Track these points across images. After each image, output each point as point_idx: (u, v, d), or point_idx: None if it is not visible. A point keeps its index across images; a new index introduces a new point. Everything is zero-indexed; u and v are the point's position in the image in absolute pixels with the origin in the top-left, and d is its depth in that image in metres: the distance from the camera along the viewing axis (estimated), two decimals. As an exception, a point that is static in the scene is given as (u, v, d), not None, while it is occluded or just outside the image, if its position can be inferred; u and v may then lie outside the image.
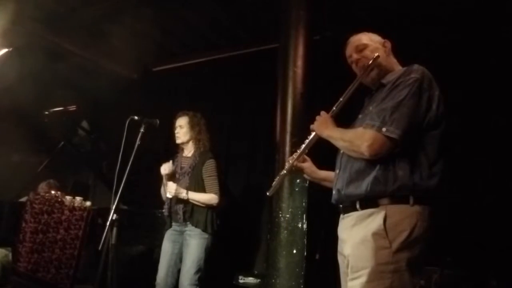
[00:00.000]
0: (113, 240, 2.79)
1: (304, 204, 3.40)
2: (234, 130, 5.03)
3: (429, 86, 1.84)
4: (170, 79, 5.65)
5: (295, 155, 2.18)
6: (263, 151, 4.59)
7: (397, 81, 1.87)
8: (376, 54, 1.99)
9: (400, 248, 1.75)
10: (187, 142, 3.59)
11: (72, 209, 3.61)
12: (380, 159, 1.82)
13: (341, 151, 2.02)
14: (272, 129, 3.67)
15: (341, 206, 1.99)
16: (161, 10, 4.46)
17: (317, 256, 3.63)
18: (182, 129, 3.57)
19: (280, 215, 3.40)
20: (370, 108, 1.95)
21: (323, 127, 2.01)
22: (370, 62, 1.99)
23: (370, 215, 1.83)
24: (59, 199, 3.63)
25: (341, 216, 2.00)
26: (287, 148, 3.46)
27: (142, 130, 3.07)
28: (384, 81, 1.97)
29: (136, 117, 3.10)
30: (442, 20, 3.82)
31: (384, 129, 1.79)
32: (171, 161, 3.51)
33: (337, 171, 2.04)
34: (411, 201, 1.79)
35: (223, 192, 3.52)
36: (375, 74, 2.01)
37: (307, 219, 3.40)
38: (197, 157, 3.53)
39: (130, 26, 4.65)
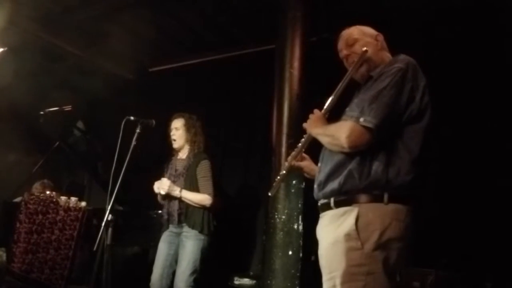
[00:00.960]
0: (108, 241, 2.78)
1: (300, 205, 3.40)
2: (230, 131, 5.03)
3: (413, 76, 1.77)
4: (166, 79, 5.64)
5: (293, 155, 2.13)
6: (259, 152, 4.59)
7: (381, 71, 1.83)
8: (364, 49, 1.92)
9: (373, 249, 1.68)
10: (183, 144, 3.58)
11: (67, 209, 3.59)
12: (359, 152, 1.76)
13: None
14: (268, 130, 3.67)
15: (319, 204, 1.93)
16: (158, 10, 4.46)
17: (312, 258, 3.63)
18: (177, 131, 3.56)
19: (276, 216, 3.41)
20: (355, 100, 1.90)
21: (313, 125, 1.96)
22: (359, 57, 1.93)
23: (343, 214, 1.77)
24: (54, 200, 3.61)
25: (320, 214, 1.95)
26: (283, 150, 3.47)
27: (138, 130, 3.07)
28: (372, 73, 1.91)
29: (132, 118, 3.09)
30: (440, 21, 3.83)
31: (361, 119, 1.73)
32: (162, 179, 3.47)
33: (319, 164, 1.99)
34: (386, 199, 1.72)
35: (216, 193, 3.51)
36: (364, 69, 1.95)
37: (303, 220, 3.40)
38: (191, 158, 3.52)
39: (127, 26, 4.64)
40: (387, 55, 2.01)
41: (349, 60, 2.00)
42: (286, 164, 2.17)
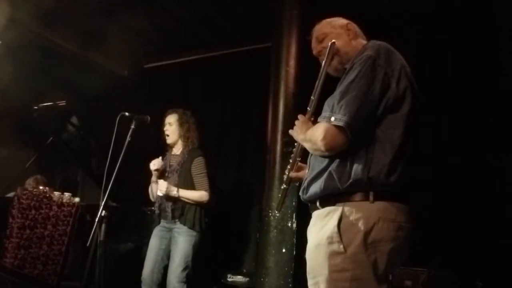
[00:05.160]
0: (101, 237, 2.77)
1: (293, 203, 3.40)
2: (225, 128, 5.03)
3: (386, 62, 1.64)
4: (161, 76, 5.63)
5: (289, 167, 2.00)
6: (254, 149, 4.59)
7: (352, 62, 1.71)
8: (331, 41, 1.81)
9: (357, 252, 1.56)
10: (176, 140, 3.59)
11: (61, 205, 3.57)
12: (340, 153, 1.64)
13: None
14: (264, 128, 3.67)
15: (309, 204, 1.84)
16: (153, 7, 4.44)
17: (306, 256, 3.64)
18: (171, 127, 3.57)
19: (270, 214, 3.41)
20: (329, 98, 1.78)
21: (298, 132, 1.83)
22: (327, 51, 1.81)
23: (327, 214, 1.66)
24: (47, 195, 3.59)
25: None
26: (278, 147, 3.48)
27: (132, 126, 3.06)
28: (346, 65, 1.77)
29: (126, 114, 3.07)
30: (436, 19, 3.84)
31: (332, 119, 1.61)
32: (160, 158, 3.50)
33: (306, 170, 1.90)
34: (371, 197, 1.59)
35: (212, 189, 3.52)
36: (336, 62, 1.84)
37: (296, 218, 3.41)
38: (185, 155, 3.53)
39: (122, 22, 4.61)
40: (361, 43, 1.88)
41: (321, 57, 1.89)
42: (285, 177, 2.05)
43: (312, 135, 1.69)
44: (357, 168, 1.61)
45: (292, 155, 1.99)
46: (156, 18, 4.68)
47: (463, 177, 3.53)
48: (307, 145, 1.78)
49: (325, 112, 1.69)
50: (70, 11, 4.58)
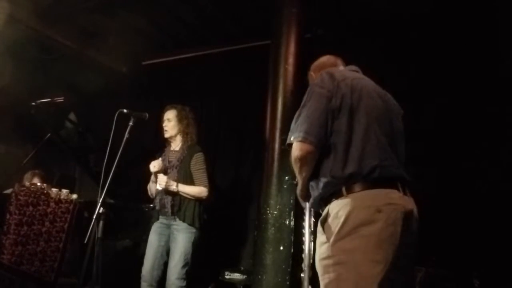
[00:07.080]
0: (99, 234, 2.78)
1: (292, 201, 3.41)
2: (224, 125, 5.02)
3: (326, 83, 1.97)
4: (160, 73, 5.62)
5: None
6: (252, 147, 4.59)
7: None
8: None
9: (338, 239, 1.77)
10: (175, 135, 3.59)
11: (58, 201, 3.57)
12: (314, 167, 1.95)
13: None
14: (262, 126, 3.67)
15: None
16: (152, 4, 4.43)
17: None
18: (170, 123, 3.57)
19: (268, 212, 3.41)
20: None
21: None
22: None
23: (323, 215, 1.93)
24: (45, 191, 3.58)
25: None
26: (277, 145, 3.47)
27: (131, 123, 3.06)
28: None
29: (125, 110, 3.08)
30: (433, 18, 3.84)
31: (292, 138, 1.94)
32: (160, 159, 3.49)
33: None
34: (344, 191, 1.84)
35: (212, 185, 3.52)
36: None
37: (294, 216, 3.41)
38: (185, 151, 3.53)
39: (121, 19, 4.60)
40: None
41: None
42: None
43: (292, 155, 1.98)
44: (324, 172, 1.92)
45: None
46: (154, 15, 4.67)
47: (459, 175, 3.54)
48: (295, 167, 2.01)
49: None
50: (69, 7, 4.57)
